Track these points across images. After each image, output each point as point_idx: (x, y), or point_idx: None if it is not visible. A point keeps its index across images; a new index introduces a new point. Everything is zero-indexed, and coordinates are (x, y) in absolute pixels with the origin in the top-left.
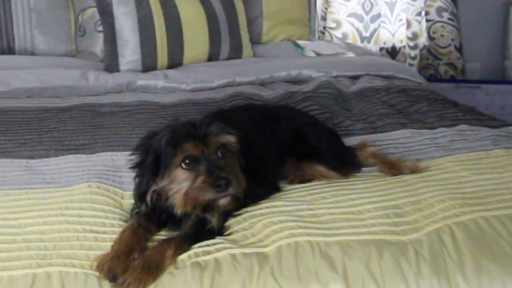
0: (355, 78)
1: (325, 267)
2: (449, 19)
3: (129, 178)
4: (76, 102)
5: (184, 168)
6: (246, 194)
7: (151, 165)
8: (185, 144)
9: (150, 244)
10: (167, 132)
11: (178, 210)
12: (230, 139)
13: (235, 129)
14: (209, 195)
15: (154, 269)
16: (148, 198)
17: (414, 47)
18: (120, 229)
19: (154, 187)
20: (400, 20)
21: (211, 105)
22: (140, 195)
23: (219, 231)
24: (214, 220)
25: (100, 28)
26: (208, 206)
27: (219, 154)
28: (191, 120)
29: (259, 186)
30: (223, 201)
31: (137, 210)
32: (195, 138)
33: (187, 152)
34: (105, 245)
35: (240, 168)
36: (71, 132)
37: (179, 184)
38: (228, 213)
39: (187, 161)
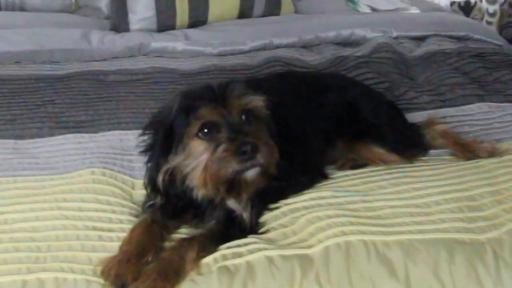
0: (420, 39)
1: (383, 273)
2: None
3: (140, 162)
4: (76, 69)
5: (201, 138)
6: (286, 183)
7: (161, 139)
8: (200, 109)
9: (167, 244)
10: (179, 98)
11: (199, 193)
12: (257, 102)
13: (267, 97)
14: (232, 165)
15: (172, 275)
16: (160, 180)
17: (492, 2)
18: (130, 226)
19: (166, 166)
20: None
21: (242, 73)
22: (151, 180)
23: (252, 228)
24: (245, 214)
25: None
26: (234, 183)
27: (244, 119)
28: (208, 83)
29: (301, 173)
30: (250, 174)
31: (151, 202)
32: (212, 101)
33: (204, 119)
34: (112, 246)
35: (272, 137)
36: (69, 106)
37: (197, 158)
38: (263, 205)
39: (204, 129)
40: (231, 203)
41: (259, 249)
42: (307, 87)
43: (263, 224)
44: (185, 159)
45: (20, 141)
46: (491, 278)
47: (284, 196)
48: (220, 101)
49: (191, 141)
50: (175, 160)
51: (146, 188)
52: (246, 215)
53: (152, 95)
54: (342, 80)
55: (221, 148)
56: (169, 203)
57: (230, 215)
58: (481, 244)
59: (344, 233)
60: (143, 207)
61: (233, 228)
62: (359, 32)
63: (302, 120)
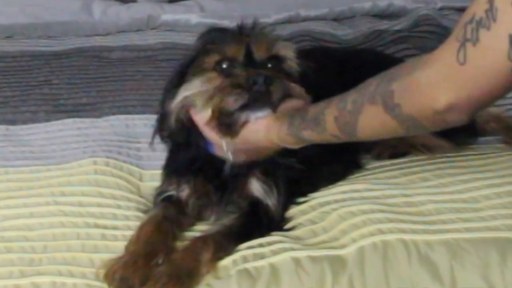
0: None
1: (425, 277)
2: None
3: (148, 150)
4: (76, 44)
5: (217, 72)
6: (315, 172)
7: (177, 72)
8: (222, 44)
9: (179, 244)
10: (204, 32)
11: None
12: (288, 50)
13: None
14: (239, 98)
15: (186, 278)
16: (172, 119)
17: None
18: (138, 223)
19: (177, 98)
20: None
21: None
22: (161, 116)
23: (278, 224)
24: (271, 202)
25: None
26: (238, 124)
27: (269, 66)
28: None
29: (332, 162)
30: (258, 115)
31: (164, 194)
32: (237, 38)
33: (223, 53)
34: (117, 246)
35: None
36: (68, 87)
37: (205, 91)
38: (290, 196)
39: (222, 65)
40: (255, 188)
41: (285, 250)
42: (338, 64)
43: (289, 219)
44: (195, 92)
45: (12, 127)
46: None
47: (313, 188)
48: (245, 39)
49: (205, 74)
50: (186, 92)
51: (163, 172)
52: (272, 203)
53: (163, 74)
54: (378, 57)
55: (229, 78)
56: (181, 152)
57: (254, 206)
58: None
59: (381, 232)
60: (154, 201)
61: (257, 222)
62: (398, 3)
63: None
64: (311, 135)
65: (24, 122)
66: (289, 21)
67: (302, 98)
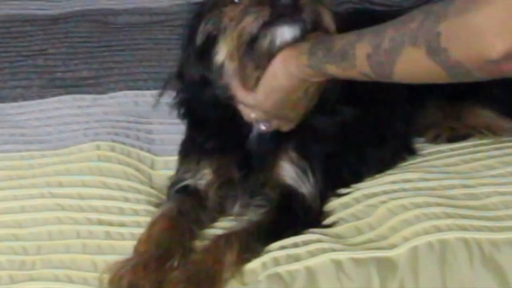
0: None
1: (490, 282)
2: None
3: (162, 133)
4: (76, 7)
5: (236, 3)
6: (360, 158)
7: (193, 18)
8: None
9: (198, 243)
10: None
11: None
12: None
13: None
14: (260, 15)
15: (206, 284)
16: (189, 65)
17: None
18: (149, 219)
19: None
20: None
21: None
22: (179, 69)
23: (315, 219)
24: (307, 190)
25: None
26: (262, 49)
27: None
28: None
29: (379, 146)
30: (286, 33)
31: (180, 184)
32: None
33: None
34: (124, 246)
35: None
36: (67, 58)
37: (225, 24)
38: (330, 186)
39: None
40: (288, 174)
41: (324, 250)
42: None
43: (329, 214)
44: (214, 30)
45: (0, 105)
46: None
47: (357, 176)
48: None
49: (224, 9)
50: (203, 34)
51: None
52: (308, 191)
53: (179, 42)
54: None
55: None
56: (201, 112)
57: (286, 197)
58: None
59: (438, 229)
60: (168, 192)
61: (291, 217)
62: None
63: None
64: (335, 71)
65: (14, 99)
66: None
67: (331, 31)
